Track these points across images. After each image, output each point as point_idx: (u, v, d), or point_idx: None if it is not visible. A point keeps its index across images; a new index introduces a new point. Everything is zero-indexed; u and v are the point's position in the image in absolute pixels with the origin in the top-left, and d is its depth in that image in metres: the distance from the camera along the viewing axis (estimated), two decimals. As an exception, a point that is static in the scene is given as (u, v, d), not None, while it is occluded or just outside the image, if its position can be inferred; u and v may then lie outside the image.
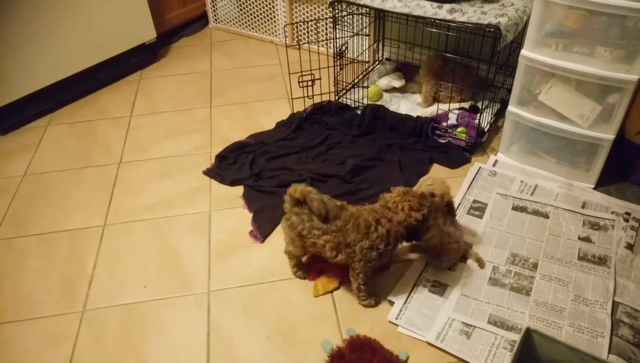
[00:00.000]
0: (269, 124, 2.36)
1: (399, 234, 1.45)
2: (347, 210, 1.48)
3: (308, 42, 2.80)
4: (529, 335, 1.13)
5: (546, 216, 1.82)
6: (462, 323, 1.48)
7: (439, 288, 1.59)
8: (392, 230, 1.44)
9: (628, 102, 1.73)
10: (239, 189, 2.00)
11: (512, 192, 1.93)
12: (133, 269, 1.69)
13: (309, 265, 1.66)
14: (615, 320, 1.47)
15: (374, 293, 1.56)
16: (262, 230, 1.78)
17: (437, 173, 2.06)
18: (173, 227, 1.84)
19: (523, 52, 1.85)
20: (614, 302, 1.52)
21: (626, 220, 1.78)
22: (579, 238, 1.73)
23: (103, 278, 1.67)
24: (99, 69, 2.65)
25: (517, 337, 1.38)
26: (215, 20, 3.29)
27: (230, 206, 1.92)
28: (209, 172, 2.09)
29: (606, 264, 1.63)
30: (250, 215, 1.87)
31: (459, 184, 1.98)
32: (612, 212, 1.82)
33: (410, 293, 1.57)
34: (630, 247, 1.69)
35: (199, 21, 3.31)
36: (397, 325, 1.49)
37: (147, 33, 2.83)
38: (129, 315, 1.55)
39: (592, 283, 1.57)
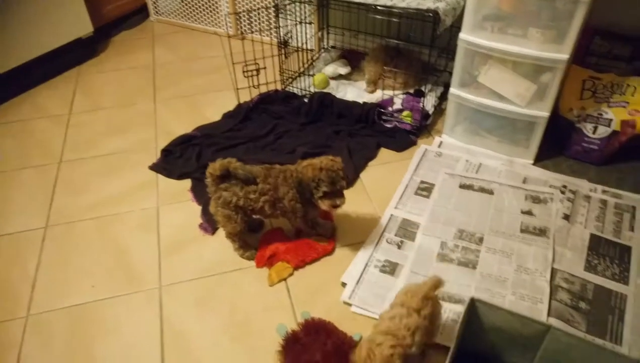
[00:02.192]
0: (215, 116, 2.33)
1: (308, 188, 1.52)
2: (275, 168, 1.57)
3: (251, 32, 2.78)
4: (473, 305, 1.18)
5: (491, 193, 1.89)
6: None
7: (390, 267, 1.62)
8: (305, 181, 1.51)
9: (560, 80, 1.82)
10: (187, 183, 1.97)
11: (458, 171, 2.00)
12: (79, 269, 1.64)
13: (259, 250, 1.66)
14: (554, 286, 1.55)
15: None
16: (212, 222, 1.76)
17: (385, 156, 2.09)
18: (120, 225, 1.79)
19: (461, 35, 1.90)
20: (552, 269, 1.60)
21: (563, 193, 1.88)
22: (522, 212, 1.80)
23: (47, 281, 1.61)
24: (33, 65, 2.53)
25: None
26: (156, 12, 3.21)
27: (179, 200, 1.89)
28: (155, 167, 2.04)
29: (546, 235, 1.71)
30: (200, 208, 1.84)
31: (405, 166, 2.02)
32: (550, 186, 1.91)
33: (361, 274, 1.60)
34: (567, 217, 1.78)
35: (139, 14, 3.21)
36: (351, 305, 1.51)
37: (83, 27, 2.72)
38: (77, 317, 1.50)
39: (533, 253, 1.65)
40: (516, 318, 1.15)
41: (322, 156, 1.55)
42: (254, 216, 1.64)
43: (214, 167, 1.53)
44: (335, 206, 1.53)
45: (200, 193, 1.88)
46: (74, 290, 1.58)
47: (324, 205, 1.53)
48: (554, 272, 1.59)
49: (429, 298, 1.23)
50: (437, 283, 1.28)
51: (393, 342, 1.14)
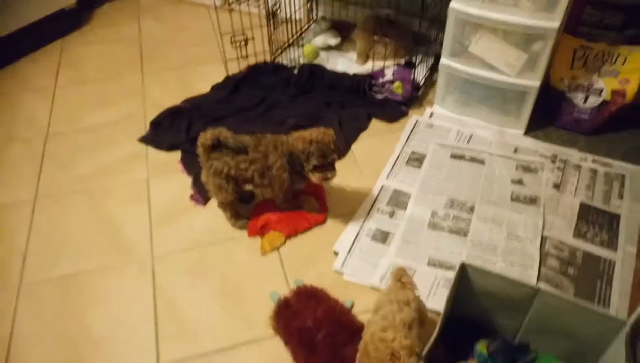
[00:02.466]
0: (204, 88, 2.30)
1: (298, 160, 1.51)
2: (266, 137, 1.55)
3: (239, 3, 2.72)
4: (464, 270, 1.19)
5: (482, 162, 1.89)
6: (404, 266, 1.53)
7: (381, 236, 1.63)
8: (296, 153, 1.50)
9: (550, 49, 1.81)
10: (177, 155, 1.95)
11: (449, 141, 2.00)
12: (70, 241, 1.63)
13: (250, 220, 1.66)
14: (544, 253, 1.57)
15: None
16: (203, 193, 1.75)
17: (376, 127, 2.08)
18: (110, 197, 1.78)
19: (452, 4, 1.87)
20: (542, 237, 1.62)
21: (553, 162, 1.89)
22: (512, 181, 1.81)
23: (38, 252, 1.59)
24: (14, 38, 2.47)
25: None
26: (142, -17, 3.13)
27: (169, 172, 1.88)
28: (144, 139, 2.02)
29: (536, 204, 1.73)
30: (190, 179, 1.83)
31: (397, 137, 2.01)
32: (540, 156, 1.92)
33: (353, 242, 1.60)
34: (557, 186, 1.79)
35: (124, -15, 3.13)
36: (343, 274, 1.52)
37: (65, -3, 2.65)
38: (69, 287, 1.50)
39: (524, 221, 1.66)
40: (506, 282, 1.16)
41: (314, 128, 1.54)
42: (245, 186, 1.62)
43: (205, 137, 1.51)
44: (326, 179, 1.52)
45: (190, 165, 1.87)
46: (66, 260, 1.57)
47: (314, 178, 1.52)
48: (543, 239, 1.61)
49: (411, 293, 1.20)
50: (400, 272, 1.25)
51: (403, 333, 1.08)
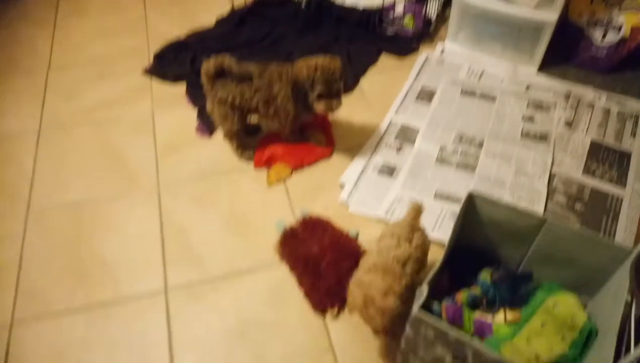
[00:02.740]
0: (208, 21, 2.23)
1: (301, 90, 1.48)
2: (270, 66, 1.51)
3: None
4: (471, 199, 1.18)
5: (493, 99, 1.85)
6: (410, 199, 1.53)
7: (388, 170, 1.62)
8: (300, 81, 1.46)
9: (571, -21, 1.73)
10: (182, 87, 1.92)
11: (460, 78, 1.95)
12: (76, 169, 1.63)
13: (257, 152, 1.65)
14: (552, 189, 1.56)
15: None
16: (209, 124, 1.74)
17: (385, 63, 2.03)
18: (115, 128, 1.76)
19: None
20: (551, 173, 1.60)
21: (566, 100, 1.84)
22: (523, 119, 1.78)
23: (45, 179, 1.60)
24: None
25: (461, 208, 1.45)
26: None
27: (174, 104, 1.85)
28: (148, 71, 1.98)
29: (546, 141, 1.70)
30: (196, 111, 1.81)
31: (406, 73, 1.97)
32: (553, 93, 1.87)
33: (360, 175, 1.60)
34: (569, 124, 1.76)
35: None
36: (349, 205, 1.52)
37: None
38: (76, 213, 1.51)
39: (533, 158, 1.64)
40: (513, 212, 1.16)
41: (320, 55, 1.49)
42: (251, 117, 1.60)
43: (208, 65, 1.48)
44: (331, 109, 1.48)
45: (195, 96, 1.84)
46: (72, 188, 1.57)
47: (319, 107, 1.48)
48: (552, 175, 1.59)
49: (417, 229, 1.18)
50: (418, 208, 1.22)
51: (384, 276, 1.04)
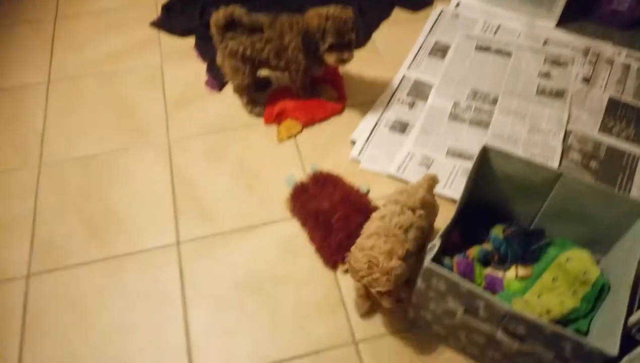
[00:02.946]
0: (218, -29, 2.16)
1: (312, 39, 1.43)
2: (281, 16, 1.47)
3: None
4: (485, 153, 1.16)
5: (508, 55, 1.80)
6: (422, 156, 1.51)
7: (400, 126, 1.60)
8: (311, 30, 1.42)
9: None
10: (190, 40, 1.88)
11: (475, 32, 1.89)
12: (86, 123, 1.62)
13: (267, 107, 1.63)
14: (566, 146, 1.54)
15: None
16: (218, 79, 1.71)
17: (399, 17, 1.97)
18: (124, 81, 1.74)
19: None
20: (566, 130, 1.57)
21: (585, 56, 1.79)
22: (539, 75, 1.74)
23: (55, 133, 1.60)
24: None
25: (474, 165, 1.43)
26: None
27: (183, 57, 1.82)
28: (156, 24, 1.94)
29: (563, 97, 1.66)
30: (205, 65, 1.78)
31: (420, 28, 1.91)
32: (572, 49, 1.82)
33: (372, 132, 1.58)
34: (586, 80, 1.72)
35: None
36: (360, 162, 1.51)
37: None
38: (88, 167, 1.51)
39: (548, 115, 1.61)
40: (528, 166, 1.14)
41: (331, 5, 1.44)
42: (261, 69, 1.57)
43: (218, 16, 1.44)
44: (343, 61, 1.44)
45: (205, 50, 1.80)
46: (83, 142, 1.57)
47: (330, 58, 1.44)
48: (567, 133, 1.57)
49: (427, 204, 1.14)
50: (433, 181, 1.19)
51: (386, 240, 1.03)
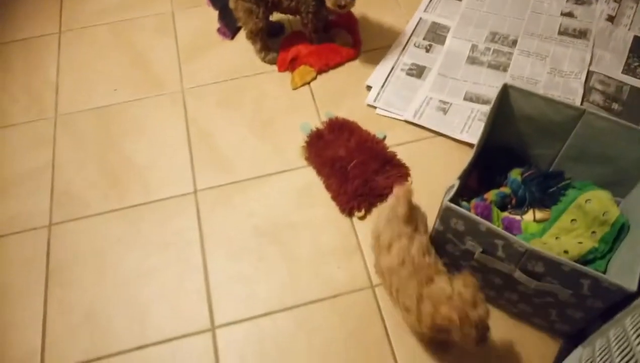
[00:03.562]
0: None
1: None
2: None
3: None
4: (505, 91, 1.13)
5: (528, -6, 1.73)
6: (439, 101, 1.48)
7: (417, 70, 1.56)
8: None
9: None
10: (201, -14, 1.83)
11: (494, -29, 1.81)
12: (100, 74, 1.61)
13: (280, 54, 1.60)
14: (588, 87, 1.49)
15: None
16: (230, 26, 1.68)
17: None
18: (136, 30, 1.72)
19: None
20: (588, 71, 1.52)
21: (610, -7, 1.71)
22: (562, 14, 1.67)
23: (69, 84, 1.59)
24: None
25: (493, 108, 1.40)
26: None
27: (194, 5, 1.78)
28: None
29: (586, 37, 1.60)
30: (216, 12, 1.74)
31: (438, -33, 1.83)
32: (596, -14, 1.74)
33: (387, 77, 1.55)
34: (611, 19, 1.64)
35: None
36: (376, 108, 1.49)
37: None
38: (103, 117, 1.51)
39: (570, 55, 1.56)
40: (549, 104, 1.11)
41: None
42: (273, 12, 1.52)
43: None
44: (342, 6, 1.38)
45: (215, -3, 1.76)
46: (98, 92, 1.57)
47: (329, 2, 1.38)
48: (589, 74, 1.52)
49: (413, 217, 1.05)
50: (406, 194, 1.05)
51: (440, 281, 0.96)
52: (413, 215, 1.06)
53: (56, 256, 1.27)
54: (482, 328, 0.91)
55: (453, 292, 0.92)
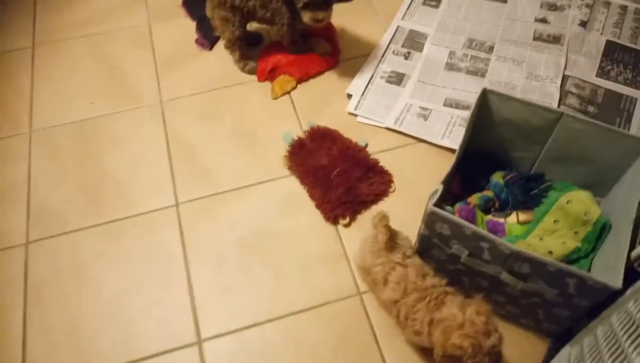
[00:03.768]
0: None
1: None
2: None
3: None
4: (485, 96, 1.15)
5: (504, 1, 1.76)
6: (420, 107, 1.49)
7: (396, 77, 1.57)
8: None
9: None
10: (177, -1, 1.83)
11: (468, -20, 1.84)
12: (75, 87, 1.58)
13: (259, 64, 1.59)
14: (564, 91, 1.52)
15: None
16: (208, 37, 1.67)
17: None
18: (111, 42, 1.70)
19: None
20: (564, 75, 1.55)
21: (581, -1, 1.76)
22: (536, 20, 1.70)
23: (44, 99, 1.56)
24: None
25: (472, 113, 1.42)
26: None
27: (171, 16, 1.77)
28: (140, -17, 1.87)
29: (560, 42, 1.63)
30: (194, 23, 1.73)
31: (413, -24, 1.86)
32: (567, -7, 1.78)
33: (367, 85, 1.55)
34: (583, 24, 1.68)
35: None
36: (357, 116, 1.49)
37: None
38: (80, 131, 1.48)
39: (545, 60, 1.59)
40: (528, 107, 1.13)
41: None
42: (250, 21, 1.52)
43: None
44: (318, 21, 1.38)
45: (192, 8, 1.75)
46: (73, 106, 1.54)
47: (305, 17, 1.38)
48: (565, 78, 1.55)
49: (395, 244, 1.06)
50: (382, 222, 1.05)
51: (448, 303, 0.97)
52: (396, 241, 1.05)
53: (34, 274, 1.24)
54: (495, 355, 0.91)
55: (465, 319, 0.92)
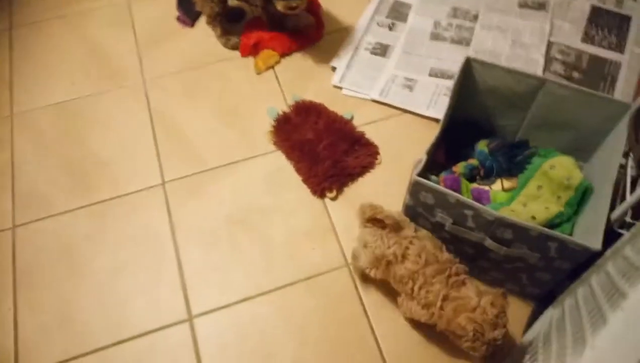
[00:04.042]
0: None
1: None
2: None
3: None
4: (468, 64, 1.14)
5: (487, -32, 1.74)
6: (405, 78, 1.49)
7: (381, 49, 1.56)
8: None
9: None
10: (157, -25, 1.78)
11: (452, -53, 1.81)
12: (55, 69, 1.56)
13: (242, 39, 1.57)
14: (549, 58, 1.52)
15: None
16: (190, 14, 1.64)
17: None
18: (89, 21, 1.67)
19: None
20: (549, 42, 1.55)
21: (566, -36, 1.74)
22: (520, -13, 1.69)
23: (25, 81, 1.54)
24: None
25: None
26: None
27: (151, -7, 1.74)
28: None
29: (545, 9, 1.62)
30: (174, 0, 1.70)
31: (396, -55, 1.83)
32: (552, -42, 1.76)
33: (352, 57, 1.54)
34: (568, -11, 1.67)
35: None
36: (342, 89, 1.49)
37: None
38: (63, 113, 1.47)
39: (530, 28, 1.58)
40: (511, 75, 1.13)
41: None
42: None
43: None
44: (291, 8, 1.35)
45: (172, -16, 1.72)
46: (55, 88, 1.52)
47: (279, 5, 1.36)
48: (550, 45, 1.54)
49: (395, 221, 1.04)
50: (375, 210, 1.04)
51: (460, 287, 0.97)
52: (397, 220, 1.04)
53: (23, 258, 1.24)
54: (492, 348, 0.92)
55: (479, 305, 0.93)
